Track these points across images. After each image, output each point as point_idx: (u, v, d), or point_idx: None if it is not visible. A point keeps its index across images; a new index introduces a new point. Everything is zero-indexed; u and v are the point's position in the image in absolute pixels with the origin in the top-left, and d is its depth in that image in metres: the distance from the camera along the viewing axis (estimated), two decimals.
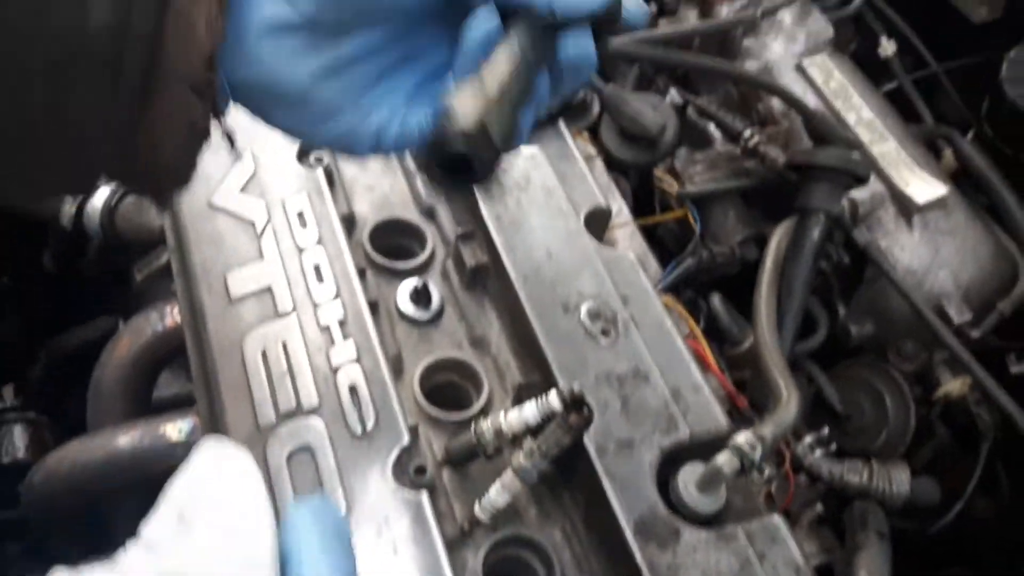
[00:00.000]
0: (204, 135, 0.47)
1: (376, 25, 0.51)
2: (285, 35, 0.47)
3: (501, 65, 0.51)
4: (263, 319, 0.82)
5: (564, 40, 0.52)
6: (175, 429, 1.06)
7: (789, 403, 0.79)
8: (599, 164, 1.14)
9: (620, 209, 1.19)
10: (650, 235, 1.20)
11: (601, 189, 1.00)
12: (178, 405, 1.12)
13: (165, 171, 0.48)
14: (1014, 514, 1.08)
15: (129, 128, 0.45)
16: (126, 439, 1.06)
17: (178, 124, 0.45)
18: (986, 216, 1.11)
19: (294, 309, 0.83)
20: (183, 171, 0.49)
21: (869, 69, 1.39)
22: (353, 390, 0.78)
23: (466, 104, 0.50)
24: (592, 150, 1.14)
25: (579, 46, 0.52)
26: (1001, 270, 1.07)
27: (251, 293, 0.84)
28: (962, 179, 1.21)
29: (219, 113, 0.49)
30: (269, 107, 0.51)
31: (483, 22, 0.51)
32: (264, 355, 0.80)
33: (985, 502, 1.07)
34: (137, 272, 1.24)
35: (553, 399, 0.76)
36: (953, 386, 1.10)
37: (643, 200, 1.26)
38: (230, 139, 0.52)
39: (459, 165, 0.51)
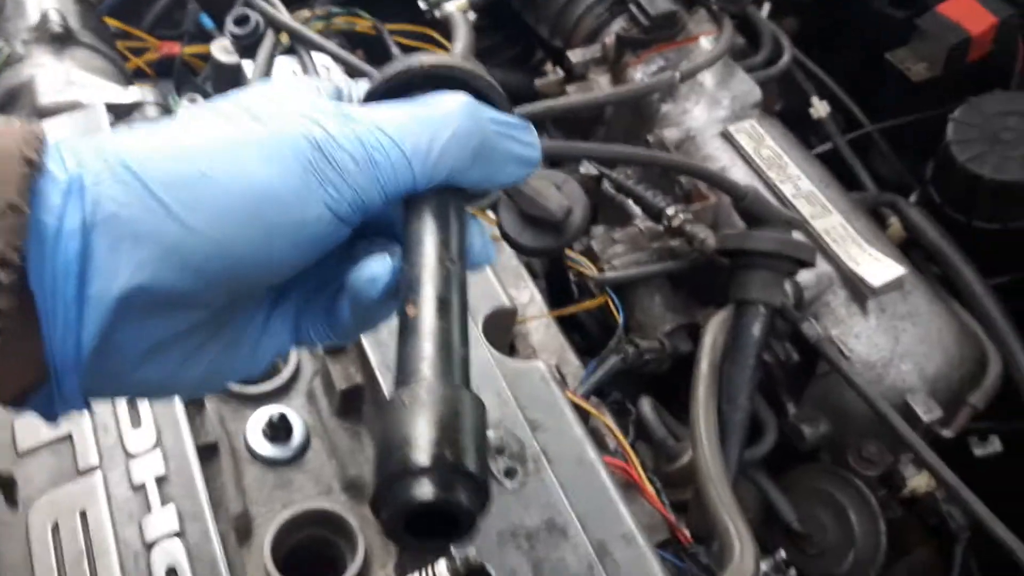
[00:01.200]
0: None
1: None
2: (169, 349, 0.40)
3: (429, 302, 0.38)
4: (58, 479, 0.63)
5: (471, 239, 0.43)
6: None
7: (744, 558, 0.62)
8: (505, 247, 0.97)
9: (532, 297, 1.03)
10: (569, 319, 1.05)
11: (505, 281, 0.84)
12: None
13: None
14: None
15: None
16: None
17: None
18: (945, 294, 0.98)
19: (99, 465, 0.63)
20: None
21: (797, 129, 1.28)
22: (172, 574, 0.58)
23: (415, 425, 0.33)
24: (496, 232, 0.97)
25: (484, 243, 0.45)
26: (968, 356, 0.93)
27: (45, 444, 0.64)
28: (910, 248, 1.09)
29: None
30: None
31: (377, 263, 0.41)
32: (55, 530, 0.60)
33: None
34: None
35: (442, 571, 0.59)
36: (919, 482, 0.96)
37: (559, 284, 1.10)
38: None
39: (432, 520, 0.34)
